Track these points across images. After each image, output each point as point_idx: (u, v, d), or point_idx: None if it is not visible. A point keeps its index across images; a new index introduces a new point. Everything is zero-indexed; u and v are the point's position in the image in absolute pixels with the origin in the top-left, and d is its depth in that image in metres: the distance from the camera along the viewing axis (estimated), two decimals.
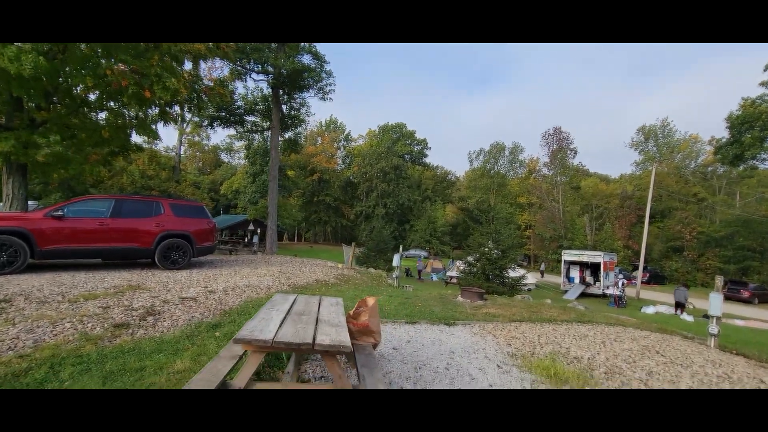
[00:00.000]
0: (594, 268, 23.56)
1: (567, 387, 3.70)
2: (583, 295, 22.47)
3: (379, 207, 52.93)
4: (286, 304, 3.34)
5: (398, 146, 59.65)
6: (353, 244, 16.17)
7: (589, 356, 4.61)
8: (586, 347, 4.97)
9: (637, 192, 44.56)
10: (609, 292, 20.97)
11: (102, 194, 9.45)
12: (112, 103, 10.25)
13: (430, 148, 64.83)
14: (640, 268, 25.54)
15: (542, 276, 34.21)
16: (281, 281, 8.43)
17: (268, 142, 27.64)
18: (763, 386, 4.07)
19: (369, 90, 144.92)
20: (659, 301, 21.47)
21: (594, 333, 5.83)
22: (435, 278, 24.81)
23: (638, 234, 39.87)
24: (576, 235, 41.68)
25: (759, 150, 27.34)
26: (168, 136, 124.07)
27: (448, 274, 19.54)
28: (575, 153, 46.59)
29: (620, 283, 20.60)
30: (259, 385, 2.53)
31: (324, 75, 20.24)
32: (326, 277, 10.15)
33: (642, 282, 25.52)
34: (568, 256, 24.48)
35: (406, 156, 62.71)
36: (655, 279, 34.46)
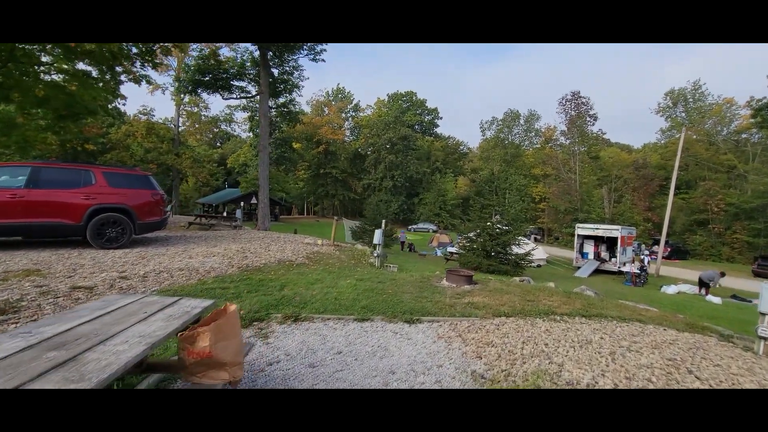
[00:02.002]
0: (610, 243, 21.82)
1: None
2: (597, 271, 20.91)
3: (386, 179, 51.33)
4: (82, 318, 2.06)
5: (408, 116, 57.24)
6: (335, 219, 14.87)
7: (590, 379, 3.24)
8: (587, 362, 3.60)
9: (661, 161, 41.66)
10: (626, 269, 19.32)
11: (19, 161, 8.24)
12: (46, 58, 8.92)
13: (441, 118, 62.24)
14: (662, 242, 23.59)
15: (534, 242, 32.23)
16: (232, 262, 7.23)
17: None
18: None
19: (383, 61, 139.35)
20: (681, 278, 19.77)
21: (601, 336, 4.44)
22: (439, 253, 23.51)
23: (659, 206, 37.47)
24: (593, 207, 39.46)
25: None
26: (167, 107, 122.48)
27: (449, 249, 18.20)
28: (595, 120, 43.55)
29: (645, 260, 18.90)
30: None
31: None
32: (295, 256, 8.93)
33: (662, 257, 23.68)
34: (581, 230, 22.72)
35: (416, 126, 60.31)
36: (677, 254, 32.38)
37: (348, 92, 61.06)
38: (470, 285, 7.26)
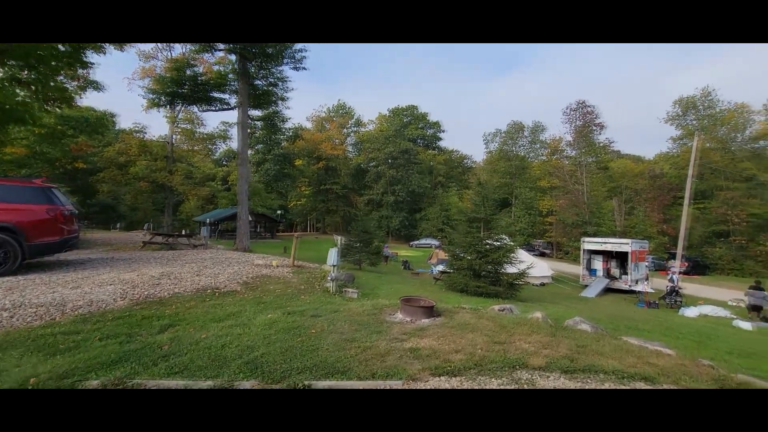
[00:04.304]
0: (621, 258, 19.92)
1: None
2: (608, 290, 18.98)
3: (388, 194, 50.02)
4: None
5: (409, 130, 56.36)
6: (296, 236, 13.47)
7: None
8: None
9: (673, 170, 39.62)
10: (638, 288, 17.37)
11: None
12: None
13: (443, 131, 61.29)
14: (678, 255, 21.55)
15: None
16: (129, 293, 5.84)
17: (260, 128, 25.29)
18: None
19: (386, 78, 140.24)
20: (702, 297, 17.72)
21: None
22: (435, 270, 21.86)
23: (674, 217, 35.30)
24: (603, 220, 37.41)
25: None
26: (161, 125, 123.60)
27: (438, 268, 16.59)
28: (602, 129, 41.83)
29: (673, 278, 16.72)
30: None
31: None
32: (229, 282, 7.52)
33: (681, 273, 21.60)
34: (588, 244, 20.90)
35: (418, 140, 59.34)
36: (696, 269, 30.06)
37: (349, 108, 60.66)
38: (429, 318, 5.72)
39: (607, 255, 20.58)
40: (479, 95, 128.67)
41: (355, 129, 62.04)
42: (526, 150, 53.31)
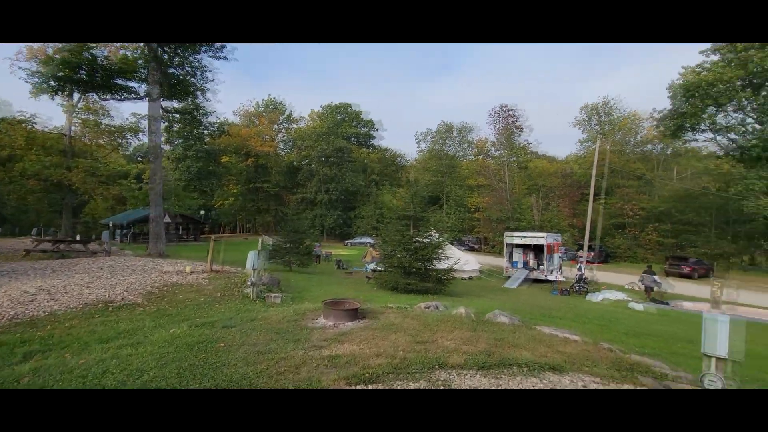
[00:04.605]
0: (538, 250, 21.59)
1: None
2: (528, 280, 20.43)
3: (321, 193, 49.04)
4: None
5: (343, 128, 55.78)
6: (213, 238, 12.60)
7: None
8: None
9: (581, 170, 44.09)
10: (552, 277, 18.95)
11: None
12: None
13: (377, 130, 61.56)
14: (585, 247, 23.97)
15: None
16: None
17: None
18: None
19: (326, 77, 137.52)
20: (605, 283, 19.85)
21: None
22: (369, 268, 21.80)
23: (582, 212, 39.29)
24: (523, 215, 40.44)
25: (699, 120, 26.65)
26: (58, 115, 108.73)
27: (370, 267, 16.54)
28: (521, 131, 45.19)
29: (581, 267, 18.35)
30: None
31: None
32: (128, 293, 6.63)
33: (588, 262, 24.00)
34: (510, 238, 22.37)
35: (353, 138, 59.00)
36: (601, 257, 33.75)
37: (280, 103, 58.29)
38: (354, 321, 5.51)
39: (527, 248, 22.18)
40: (418, 96, 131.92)
41: (287, 126, 59.88)
42: (455, 149, 55.71)
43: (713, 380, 3.07)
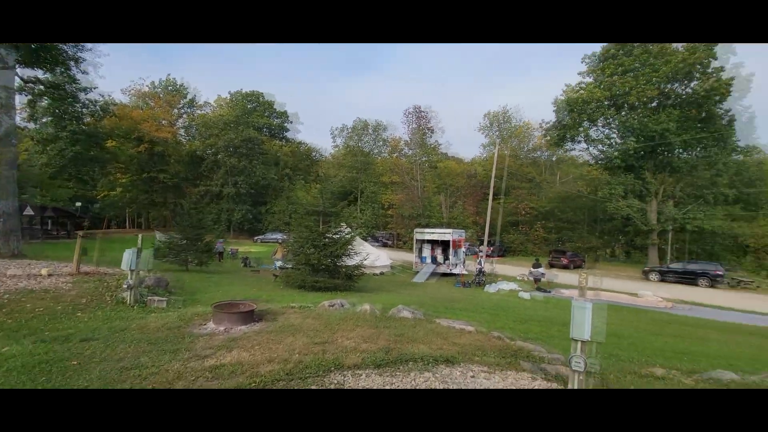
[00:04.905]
0: (444, 246, 22.89)
1: None
2: (435, 274, 21.52)
3: (228, 186, 45.60)
4: None
5: (254, 117, 52.58)
6: (79, 234, 10.94)
7: None
8: None
9: (483, 171, 48.00)
10: (456, 271, 20.26)
11: None
12: None
13: (291, 122, 59.38)
14: (485, 242, 26.15)
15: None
16: None
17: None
18: None
19: (239, 62, 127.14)
20: (501, 275, 21.86)
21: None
22: (277, 266, 20.83)
23: (484, 210, 42.93)
24: (433, 213, 42.68)
25: (576, 132, 30.87)
26: None
27: (278, 264, 15.82)
28: (433, 132, 47.51)
29: (481, 261, 19.84)
30: None
31: None
32: None
33: (488, 256, 26.21)
34: (419, 234, 23.36)
35: (264, 129, 56.02)
36: (499, 252, 37.18)
37: (181, 85, 52.60)
38: (248, 325, 5.06)
39: (435, 243, 23.39)
40: (333, 92, 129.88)
41: (189, 111, 54.33)
42: (370, 147, 56.40)
43: (578, 362, 3.40)
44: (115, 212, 49.97)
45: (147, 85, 50.87)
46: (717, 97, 25.83)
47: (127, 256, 6.31)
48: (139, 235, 7.09)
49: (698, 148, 27.82)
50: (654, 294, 16.73)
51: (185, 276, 13.54)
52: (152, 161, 45.48)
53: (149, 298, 6.77)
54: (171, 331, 4.79)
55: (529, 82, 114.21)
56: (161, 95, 50.35)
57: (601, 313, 3.68)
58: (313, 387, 3.25)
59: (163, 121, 47.92)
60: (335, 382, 3.36)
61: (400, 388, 3.25)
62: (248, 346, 4.29)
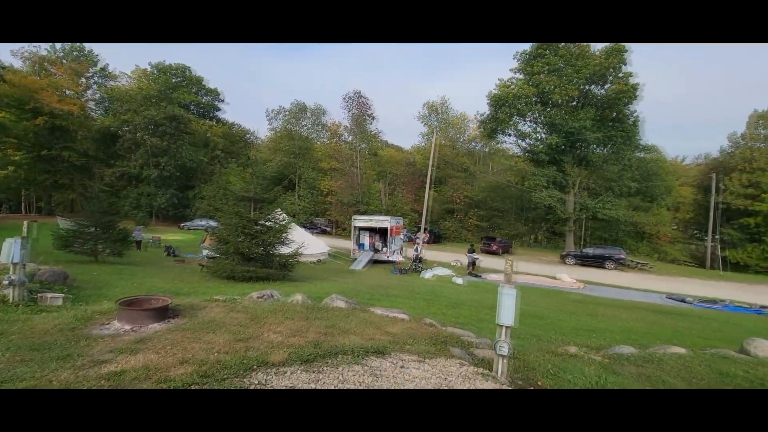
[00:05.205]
0: (383, 233, 23.06)
1: None
2: (373, 261, 21.64)
3: (150, 167, 41.40)
4: None
5: (180, 93, 48.21)
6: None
7: None
8: None
9: (422, 160, 49.02)
10: (394, 258, 20.56)
11: None
12: None
13: (222, 101, 55.47)
14: (422, 230, 26.86)
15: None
16: None
17: None
18: None
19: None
20: (437, 261, 22.63)
21: None
22: (204, 255, 19.45)
23: (422, 198, 44.05)
24: (372, 200, 42.78)
25: (507, 125, 32.64)
26: None
27: (204, 254, 14.77)
28: (373, 119, 47.25)
29: (417, 248, 20.27)
30: None
31: None
32: None
33: (425, 242, 26.96)
34: (358, 222, 23.28)
35: (192, 107, 51.69)
36: (434, 239, 38.46)
37: (89, 51, 46.21)
38: (161, 322, 4.54)
39: (372, 231, 23.49)
40: (267, 73, 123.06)
41: (101, 81, 48.06)
42: (309, 131, 54.65)
43: (503, 346, 3.50)
44: (6, 195, 43.19)
45: (46, 48, 44.01)
46: (626, 100, 28.83)
47: (7, 246, 5.32)
48: (25, 222, 6.04)
49: (609, 145, 30.95)
50: (569, 276, 18.45)
51: (94, 268, 12.07)
52: (54, 137, 39.65)
53: (40, 295, 5.83)
54: (63, 334, 4.13)
55: (467, 75, 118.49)
56: (64, 61, 43.87)
57: (519, 295, 3.76)
58: (231, 388, 2.97)
59: (68, 92, 41.91)
60: (256, 382, 3.09)
61: (326, 386, 3.08)
62: (159, 346, 3.83)
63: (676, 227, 47.92)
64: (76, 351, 3.67)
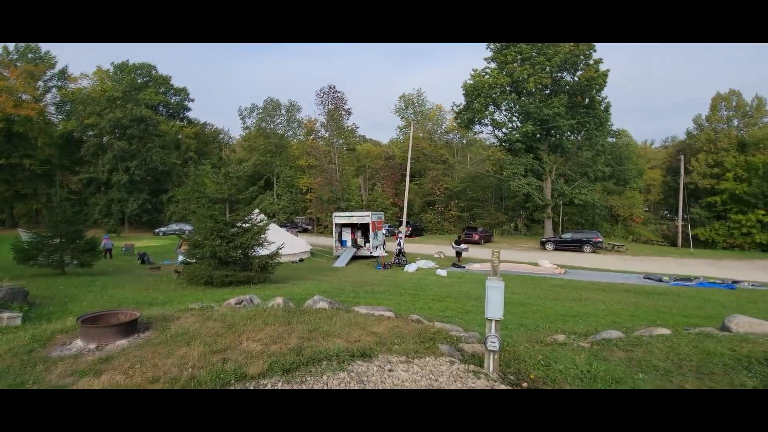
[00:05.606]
0: (364, 229, 22.83)
1: None
2: (355, 258, 21.40)
3: (119, 172, 39.70)
4: None
5: (146, 94, 46.28)
6: None
7: None
8: None
9: (400, 153, 48.89)
10: (376, 253, 20.39)
11: None
12: None
13: (193, 100, 53.60)
14: (404, 223, 26.79)
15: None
16: None
17: None
18: None
19: None
20: (419, 254, 22.58)
21: None
22: (180, 261, 18.78)
23: (402, 192, 43.98)
24: (352, 195, 42.40)
25: (483, 115, 32.80)
26: None
27: (180, 259, 14.21)
28: (349, 114, 46.70)
29: (400, 241, 20.15)
30: None
31: None
32: None
33: (406, 236, 26.89)
34: (338, 218, 22.96)
35: (160, 108, 49.81)
36: (416, 231, 38.50)
37: (46, 53, 43.74)
38: (129, 338, 4.22)
39: (354, 227, 23.20)
40: (237, 69, 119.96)
41: (60, 84, 45.60)
42: (284, 128, 53.58)
43: (493, 341, 3.38)
44: None
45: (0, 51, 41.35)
46: (596, 86, 29.41)
47: None
48: None
49: (582, 131, 31.56)
50: (550, 262, 18.75)
51: (61, 281, 11.42)
52: (11, 145, 37.53)
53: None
54: (18, 358, 3.76)
55: (441, 66, 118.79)
56: (19, 63, 41.36)
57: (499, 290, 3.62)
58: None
59: (24, 96, 39.63)
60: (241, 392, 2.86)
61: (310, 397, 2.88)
62: (126, 365, 3.53)
63: (647, 209, 49.66)
64: (31, 377, 3.34)
